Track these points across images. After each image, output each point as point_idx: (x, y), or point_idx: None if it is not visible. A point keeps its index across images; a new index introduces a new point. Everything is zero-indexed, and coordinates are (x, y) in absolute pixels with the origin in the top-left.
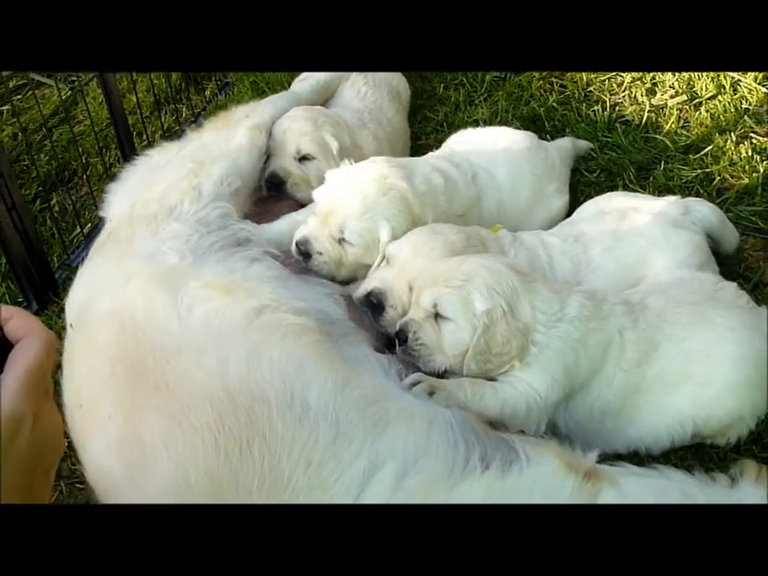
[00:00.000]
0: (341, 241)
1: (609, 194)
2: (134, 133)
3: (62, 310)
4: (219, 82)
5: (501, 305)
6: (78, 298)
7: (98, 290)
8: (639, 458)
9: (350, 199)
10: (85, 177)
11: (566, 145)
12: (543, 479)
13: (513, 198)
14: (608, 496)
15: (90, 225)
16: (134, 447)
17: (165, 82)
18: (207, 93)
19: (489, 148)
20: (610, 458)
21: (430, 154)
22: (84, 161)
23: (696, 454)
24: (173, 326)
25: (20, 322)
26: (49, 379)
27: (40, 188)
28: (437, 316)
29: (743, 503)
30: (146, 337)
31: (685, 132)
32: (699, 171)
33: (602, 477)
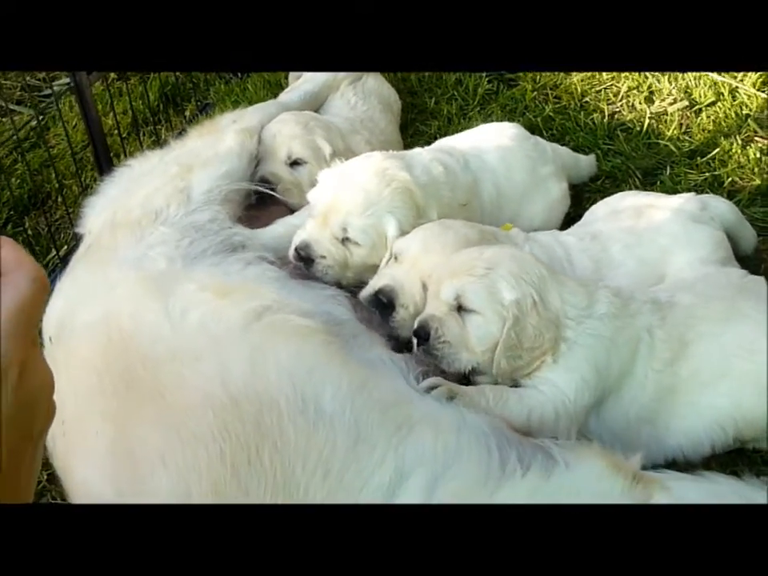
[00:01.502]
0: (344, 241)
1: (620, 193)
2: (112, 154)
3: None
4: (199, 103)
5: (531, 294)
6: (57, 311)
7: (79, 300)
8: (678, 467)
9: (351, 195)
10: (60, 199)
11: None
12: (590, 480)
13: (508, 179)
14: (661, 500)
15: (65, 247)
16: (126, 465)
17: (143, 103)
18: (187, 113)
19: (475, 137)
20: (648, 468)
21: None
22: (59, 182)
23: (737, 459)
24: (165, 331)
25: (8, 253)
26: (38, 325)
27: (12, 212)
28: (460, 309)
29: None
30: (134, 344)
31: (687, 138)
32: (707, 174)
33: (651, 480)
